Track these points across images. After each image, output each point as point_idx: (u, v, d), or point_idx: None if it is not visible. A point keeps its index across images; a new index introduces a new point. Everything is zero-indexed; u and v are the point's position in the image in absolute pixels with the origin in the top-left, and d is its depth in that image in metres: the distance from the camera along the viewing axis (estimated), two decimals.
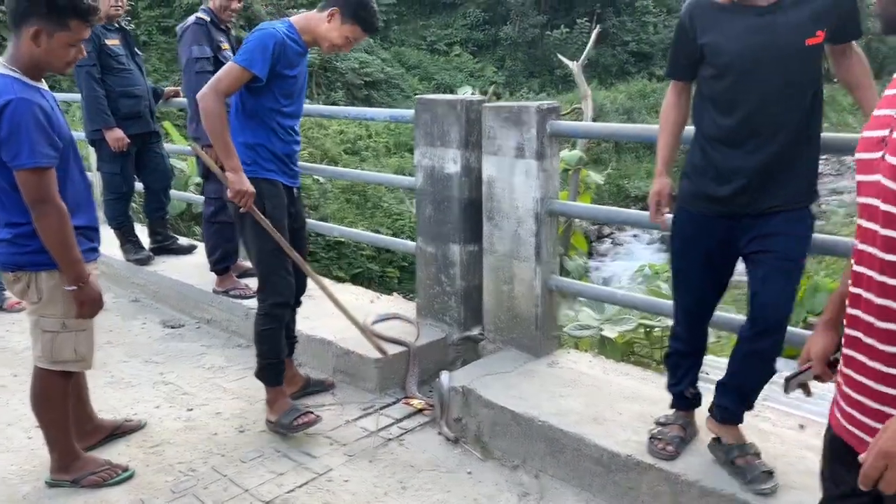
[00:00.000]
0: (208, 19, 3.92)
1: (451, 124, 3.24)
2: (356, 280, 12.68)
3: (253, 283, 4.04)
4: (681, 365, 2.38)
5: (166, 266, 4.51)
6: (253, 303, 3.05)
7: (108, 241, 4.94)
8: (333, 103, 18.38)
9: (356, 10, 2.65)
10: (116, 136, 4.28)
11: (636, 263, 13.75)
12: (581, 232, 4.38)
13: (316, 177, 12.87)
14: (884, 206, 1.16)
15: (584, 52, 4.66)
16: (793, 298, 2.12)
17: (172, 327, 4.04)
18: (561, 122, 3.02)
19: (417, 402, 3.06)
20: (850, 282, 1.26)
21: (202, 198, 4.23)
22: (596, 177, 4.41)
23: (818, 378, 1.42)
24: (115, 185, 4.48)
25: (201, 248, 4.81)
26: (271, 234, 2.71)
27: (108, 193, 4.55)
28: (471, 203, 3.29)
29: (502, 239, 3.13)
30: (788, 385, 1.46)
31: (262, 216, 2.69)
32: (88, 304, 2.32)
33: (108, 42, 4.29)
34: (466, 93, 3.87)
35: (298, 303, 3.04)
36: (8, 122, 2.11)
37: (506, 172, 3.05)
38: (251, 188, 2.63)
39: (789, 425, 2.55)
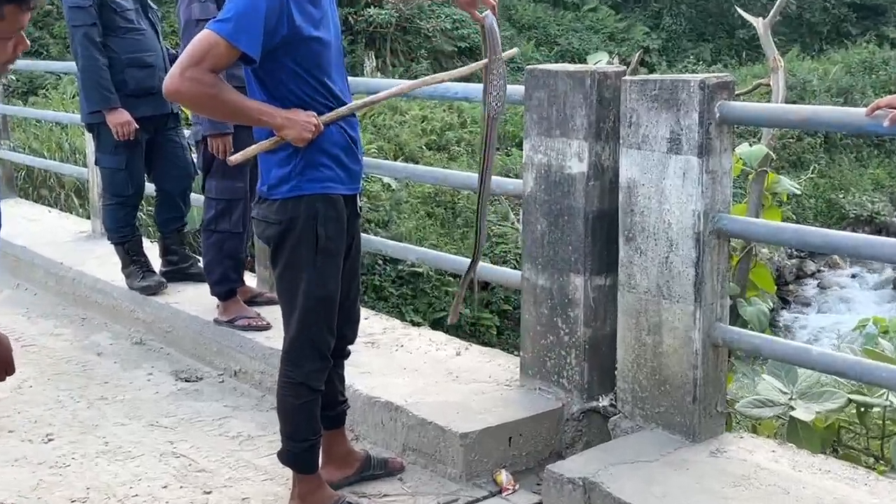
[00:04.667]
0: None
1: (576, 106, 3.31)
2: (438, 327, 12.89)
3: (266, 312, 4.29)
4: None
5: (182, 297, 4.76)
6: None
7: (107, 260, 5.29)
8: (414, 77, 18.90)
9: None
10: (121, 120, 4.60)
11: (856, 317, 13.27)
12: (766, 265, 4.26)
13: (386, 180, 13.26)
14: None
15: (777, 4, 4.59)
16: None
17: (187, 380, 4.27)
18: (737, 103, 3.05)
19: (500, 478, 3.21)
20: None
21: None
22: (790, 184, 4.33)
23: None
24: (118, 185, 4.81)
25: None
26: (325, 278, 2.84)
27: (108, 197, 4.89)
28: (601, 216, 3.34)
29: (646, 269, 3.16)
30: None
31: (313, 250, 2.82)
32: None
33: None
34: (600, 62, 3.94)
35: (346, 353, 3.16)
36: None
37: (654, 174, 3.09)
38: (313, 117, 2.71)
39: None
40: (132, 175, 4.79)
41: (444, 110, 16.36)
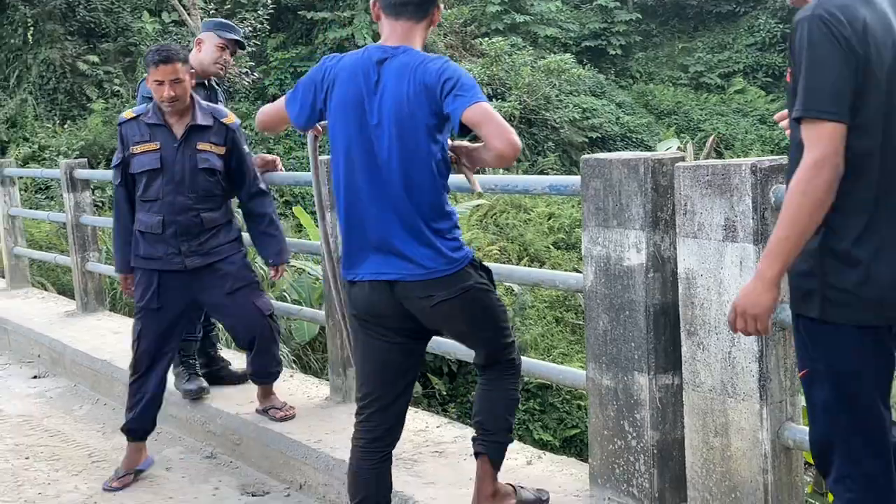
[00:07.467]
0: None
1: (632, 194, 3.50)
2: (571, 445, 12.86)
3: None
4: None
5: (253, 407, 5.07)
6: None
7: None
8: (541, 172, 19.30)
9: None
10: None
11: None
12: None
13: (508, 284, 13.51)
14: None
15: None
16: None
17: (254, 495, 4.55)
18: None
19: None
20: None
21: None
22: None
23: None
24: None
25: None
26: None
27: None
28: (664, 310, 3.50)
29: (710, 365, 3.29)
30: None
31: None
32: None
33: None
34: (671, 148, 4.09)
35: None
36: None
37: (711, 263, 3.25)
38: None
39: None
40: None
41: (573, 206, 16.62)
